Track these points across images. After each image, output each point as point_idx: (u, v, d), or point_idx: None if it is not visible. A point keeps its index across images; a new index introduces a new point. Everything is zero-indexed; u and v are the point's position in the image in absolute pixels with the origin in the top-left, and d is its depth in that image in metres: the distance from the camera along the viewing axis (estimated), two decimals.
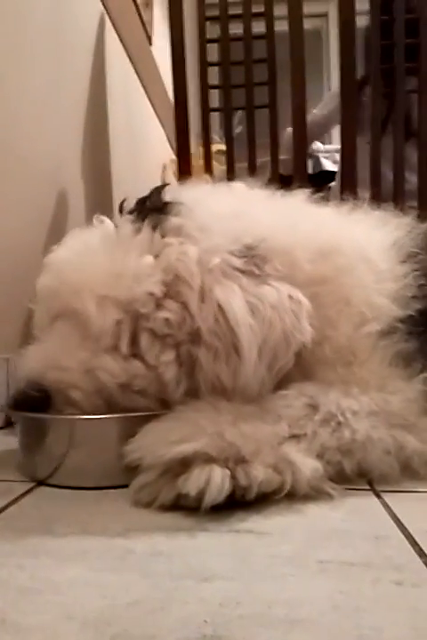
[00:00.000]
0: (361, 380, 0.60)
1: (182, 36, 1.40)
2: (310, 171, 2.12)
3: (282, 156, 1.43)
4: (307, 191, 0.74)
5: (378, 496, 0.55)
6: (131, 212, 0.67)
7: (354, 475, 0.56)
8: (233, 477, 0.50)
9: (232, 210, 0.66)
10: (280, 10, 1.39)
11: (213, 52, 1.62)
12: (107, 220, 0.67)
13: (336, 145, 2.26)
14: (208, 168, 1.44)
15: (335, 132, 2.41)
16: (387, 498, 0.54)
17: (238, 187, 0.73)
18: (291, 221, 0.67)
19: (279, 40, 1.39)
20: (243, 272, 0.60)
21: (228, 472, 0.50)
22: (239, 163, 1.44)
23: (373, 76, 1.39)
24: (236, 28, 1.44)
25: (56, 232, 1.15)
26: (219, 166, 1.71)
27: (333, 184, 2.09)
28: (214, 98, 1.58)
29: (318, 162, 2.37)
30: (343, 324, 0.62)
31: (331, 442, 0.55)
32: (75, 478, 0.59)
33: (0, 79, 0.96)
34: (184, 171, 1.41)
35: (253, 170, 1.42)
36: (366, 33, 1.55)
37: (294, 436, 0.55)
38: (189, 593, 0.37)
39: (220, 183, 0.75)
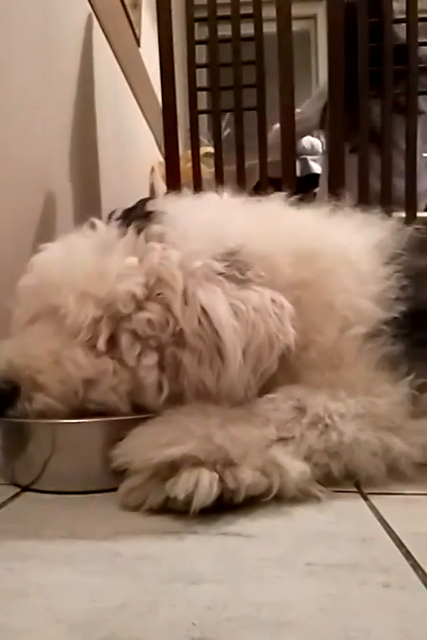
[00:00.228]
0: (348, 384, 0.60)
1: (171, 38, 1.40)
2: (297, 173, 2.13)
3: (270, 159, 1.43)
4: (284, 195, 0.74)
5: (365, 498, 0.55)
6: (117, 220, 0.67)
7: (341, 477, 0.56)
8: (221, 480, 0.50)
9: (212, 218, 0.67)
10: (269, 11, 1.39)
11: (202, 54, 1.62)
12: (98, 224, 0.67)
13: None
14: (196, 171, 1.44)
15: None
16: (374, 500, 0.54)
17: (215, 197, 0.74)
18: (268, 226, 0.67)
19: (268, 42, 1.40)
20: (225, 277, 0.61)
21: (216, 475, 0.50)
22: (228, 165, 1.44)
23: (360, 78, 1.39)
24: (224, 30, 1.44)
25: (44, 235, 1.14)
26: (207, 169, 1.71)
27: (318, 189, 2.10)
28: (202, 100, 1.58)
29: (306, 165, 2.38)
30: (328, 327, 0.63)
31: (318, 444, 0.56)
32: (58, 483, 0.58)
33: None
34: (172, 173, 1.41)
35: (241, 173, 1.43)
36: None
37: (282, 439, 0.55)
38: (177, 596, 0.37)
39: (195, 193, 0.76)
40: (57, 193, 1.25)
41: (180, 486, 0.49)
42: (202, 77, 1.53)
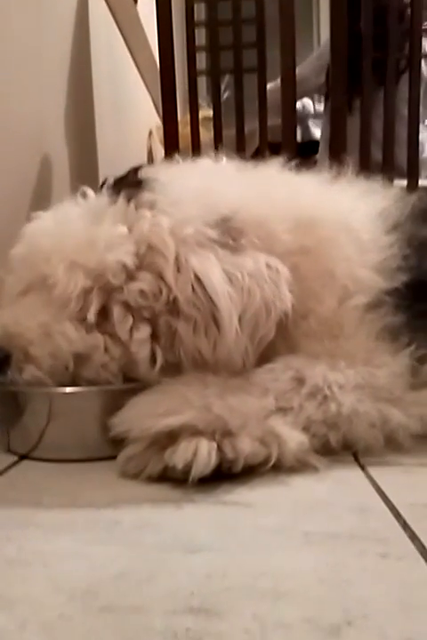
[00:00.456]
0: (348, 354, 0.60)
1: None
2: (298, 139, 2.09)
3: (270, 123, 1.40)
4: (282, 160, 0.73)
5: (363, 468, 0.55)
6: (109, 188, 0.66)
7: (339, 447, 0.56)
8: (220, 450, 0.50)
9: (205, 184, 0.65)
10: None
11: (201, 13, 1.57)
12: (90, 192, 0.66)
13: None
14: (195, 135, 1.41)
15: None
16: (371, 470, 0.55)
17: (209, 163, 0.72)
18: (265, 192, 0.66)
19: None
20: (218, 243, 0.60)
21: (214, 445, 0.50)
22: (227, 130, 1.41)
23: (364, 37, 1.36)
24: None
25: (40, 199, 1.13)
26: (206, 133, 1.68)
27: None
28: (201, 62, 1.54)
29: (307, 130, 2.34)
30: (328, 297, 0.62)
31: (317, 415, 0.55)
32: (55, 452, 0.59)
33: None
34: (171, 138, 1.38)
35: (241, 138, 1.40)
36: None
37: (281, 409, 0.55)
38: (176, 564, 0.37)
39: (190, 159, 0.74)
40: (53, 156, 1.23)
41: (178, 455, 0.49)
42: (201, 37, 1.49)
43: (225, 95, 1.70)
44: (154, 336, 0.60)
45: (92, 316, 0.59)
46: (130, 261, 0.59)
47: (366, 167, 1.31)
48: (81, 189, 0.67)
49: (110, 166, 1.56)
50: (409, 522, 0.43)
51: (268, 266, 0.60)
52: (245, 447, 0.51)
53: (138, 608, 0.32)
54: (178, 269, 0.59)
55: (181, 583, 0.35)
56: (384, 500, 0.48)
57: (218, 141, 1.40)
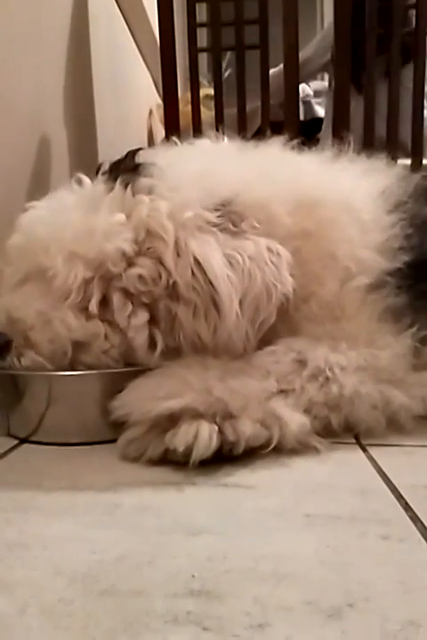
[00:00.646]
0: (350, 336, 0.59)
1: None
2: (301, 117, 2.06)
3: (272, 102, 1.38)
4: (284, 139, 0.71)
5: (364, 450, 0.55)
6: (105, 174, 0.65)
7: (341, 429, 0.56)
8: (221, 433, 0.50)
9: (205, 167, 0.64)
10: None
11: None
12: (85, 179, 0.65)
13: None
14: (196, 114, 1.39)
15: None
16: (373, 452, 0.54)
17: (208, 143, 0.71)
18: (266, 173, 0.65)
19: None
20: (218, 228, 0.59)
21: (215, 427, 0.50)
22: (228, 108, 1.39)
23: (368, 13, 1.33)
24: None
25: (39, 179, 1.11)
26: (207, 112, 1.65)
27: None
28: (202, 39, 1.51)
29: (310, 108, 2.30)
30: (330, 279, 0.61)
31: (319, 397, 0.55)
32: (55, 435, 0.58)
33: None
34: (171, 117, 1.36)
35: (242, 116, 1.38)
36: None
37: (282, 391, 0.55)
38: (177, 547, 0.37)
39: (190, 140, 0.73)
40: (51, 136, 1.21)
41: (179, 438, 0.49)
42: (202, 13, 1.46)
43: (226, 73, 1.68)
44: (154, 321, 0.59)
45: (94, 306, 0.59)
46: (129, 248, 0.59)
47: (370, 144, 1.29)
48: (76, 176, 0.66)
49: (110, 145, 1.54)
50: (411, 503, 0.43)
51: (269, 249, 0.59)
52: (247, 429, 0.51)
53: (139, 591, 0.32)
54: (178, 254, 0.58)
55: (181, 566, 0.35)
56: (386, 481, 0.48)
57: (219, 120, 1.38)
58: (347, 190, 0.66)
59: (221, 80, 1.40)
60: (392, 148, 1.30)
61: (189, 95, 1.42)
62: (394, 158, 0.88)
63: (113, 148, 0.69)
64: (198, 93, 1.41)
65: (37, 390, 0.58)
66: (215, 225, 0.59)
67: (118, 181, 0.62)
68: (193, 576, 0.34)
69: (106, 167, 0.66)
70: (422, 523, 0.40)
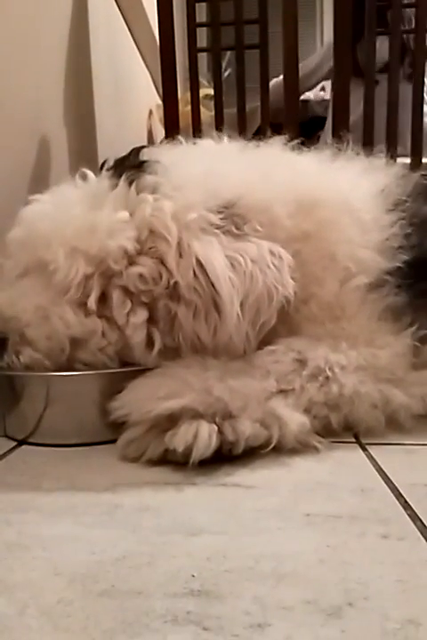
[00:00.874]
0: (350, 335, 0.59)
1: None
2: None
3: (272, 106, 1.38)
4: (284, 139, 0.71)
5: (364, 449, 0.55)
6: (109, 170, 0.65)
7: (341, 428, 0.56)
8: (220, 432, 0.50)
9: (208, 168, 0.64)
10: None
11: None
12: (89, 175, 0.65)
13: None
14: (196, 114, 1.39)
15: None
16: (373, 451, 0.54)
17: (211, 144, 0.71)
18: (267, 174, 0.65)
19: None
20: (221, 230, 0.59)
21: (215, 427, 0.50)
22: (228, 108, 1.39)
23: (368, 11, 1.33)
24: None
25: (38, 181, 1.11)
26: (207, 112, 1.65)
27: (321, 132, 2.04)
28: (202, 39, 1.51)
29: (309, 107, 2.30)
30: (329, 280, 0.62)
31: (318, 396, 0.55)
32: (53, 437, 0.58)
33: None
34: (171, 117, 1.36)
35: (242, 116, 1.38)
36: None
37: (282, 391, 0.55)
38: (176, 547, 0.37)
39: (193, 141, 0.73)
40: (51, 138, 1.21)
41: (179, 438, 0.49)
42: (201, 13, 1.46)
43: (226, 73, 1.68)
44: (152, 320, 0.59)
45: (92, 303, 0.59)
46: (131, 246, 0.58)
47: (369, 141, 1.29)
48: (80, 171, 0.66)
49: (109, 146, 1.54)
50: (410, 502, 0.43)
51: (271, 252, 0.59)
52: (246, 429, 0.51)
53: (138, 592, 0.32)
54: (180, 255, 0.58)
55: (181, 566, 0.35)
56: (385, 480, 0.48)
57: (219, 120, 1.38)
58: (346, 190, 0.66)
59: (220, 80, 1.40)
60: (392, 142, 1.30)
61: (188, 95, 1.42)
62: (393, 157, 0.87)
63: (113, 148, 0.69)
64: (198, 93, 1.41)
65: (35, 391, 0.58)
66: (218, 227, 0.59)
67: (123, 178, 0.62)
68: (193, 576, 0.34)
69: (110, 163, 0.66)
70: (421, 521, 0.40)
